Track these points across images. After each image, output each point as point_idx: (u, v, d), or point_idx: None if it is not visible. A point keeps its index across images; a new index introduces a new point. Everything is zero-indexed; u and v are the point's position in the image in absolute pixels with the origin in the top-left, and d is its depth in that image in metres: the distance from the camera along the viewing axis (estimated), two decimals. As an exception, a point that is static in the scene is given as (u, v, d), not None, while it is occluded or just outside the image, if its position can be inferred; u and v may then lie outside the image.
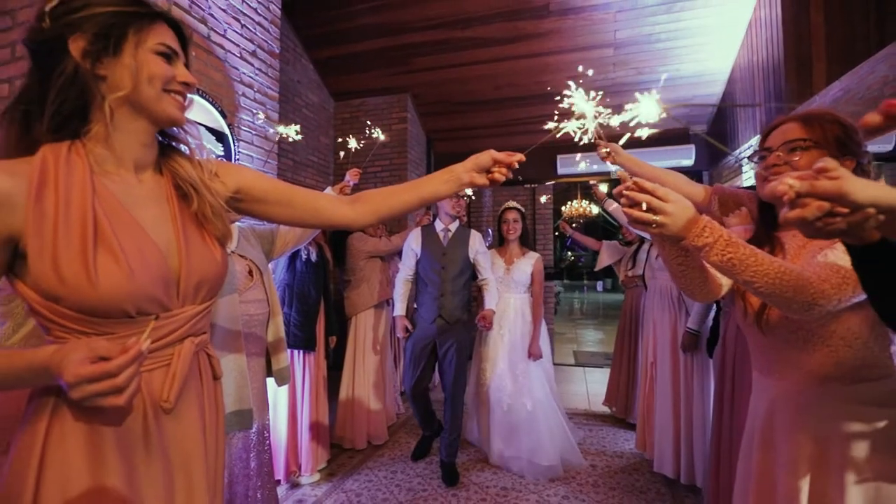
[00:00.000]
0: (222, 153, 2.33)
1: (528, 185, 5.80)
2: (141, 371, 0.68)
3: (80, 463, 0.69)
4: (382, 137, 2.18)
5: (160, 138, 0.84)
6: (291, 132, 2.19)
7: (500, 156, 0.97)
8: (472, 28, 4.25)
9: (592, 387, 4.53)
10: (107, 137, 0.74)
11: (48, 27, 0.70)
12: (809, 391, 0.94)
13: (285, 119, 4.23)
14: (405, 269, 2.75)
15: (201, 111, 2.19)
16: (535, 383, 2.69)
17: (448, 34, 4.34)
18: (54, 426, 0.69)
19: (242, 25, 2.51)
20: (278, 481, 2.41)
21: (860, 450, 0.87)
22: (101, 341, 0.67)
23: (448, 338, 2.60)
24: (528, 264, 2.80)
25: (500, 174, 0.98)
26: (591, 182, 3.15)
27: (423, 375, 2.67)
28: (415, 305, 2.84)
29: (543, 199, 5.93)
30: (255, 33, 2.60)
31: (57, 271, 0.66)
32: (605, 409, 3.70)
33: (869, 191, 0.53)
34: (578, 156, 4.74)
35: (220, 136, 2.32)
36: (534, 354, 2.71)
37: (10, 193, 0.66)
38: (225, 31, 2.39)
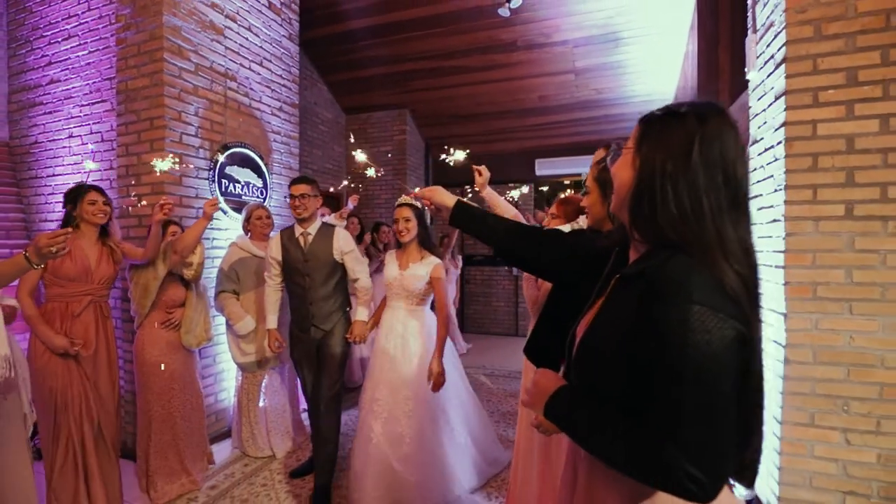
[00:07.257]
0: (261, 184, 3.38)
1: (512, 185, 6.71)
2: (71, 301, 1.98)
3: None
4: (374, 173, 2.91)
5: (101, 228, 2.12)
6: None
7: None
8: (456, 59, 5.16)
9: (556, 354, 5.52)
10: (80, 230, 2.03)
11: (67, 203, 2.02)
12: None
13: (304, 135, 5.26)
14: (270, 280, 2.55)
15: (248, 160, 3.23)
16: (422, 411, 2.24)
17: (437, 63, 5.26)
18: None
19: (272, 90, 3.52)
20: (303, 409, 3.53)
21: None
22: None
23: (326, 343, 2.46)
24: (424, 270, 2.34)
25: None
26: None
27: (318, 384, 2.51)
28: (289, 316, 2.65)
29: (521, 191, 5.51)
30: (280, 94, 3.61)
31: (62, 264, 1.93)
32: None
33: (439, 197, 1.23)
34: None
35: (259, 172, 3.36)
36: (433, 374, 2.18)
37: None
38: (261, 97, 3.41)
